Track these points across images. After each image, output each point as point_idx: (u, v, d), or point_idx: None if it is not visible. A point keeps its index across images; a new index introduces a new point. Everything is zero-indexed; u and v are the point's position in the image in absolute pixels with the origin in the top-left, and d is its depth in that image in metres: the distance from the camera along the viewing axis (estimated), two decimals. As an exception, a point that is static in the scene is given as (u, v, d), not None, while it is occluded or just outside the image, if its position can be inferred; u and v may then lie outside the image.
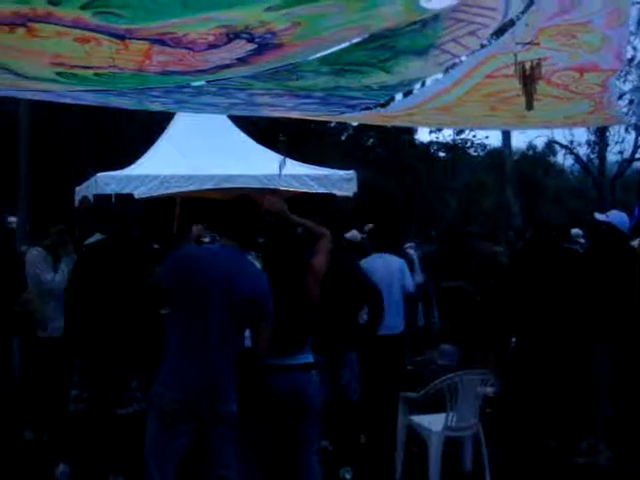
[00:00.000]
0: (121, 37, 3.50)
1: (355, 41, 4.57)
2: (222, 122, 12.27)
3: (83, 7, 3.03)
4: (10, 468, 6.32)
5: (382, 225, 8.47)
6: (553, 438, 6.95)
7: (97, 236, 6.55)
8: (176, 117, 12.80)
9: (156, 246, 8.32)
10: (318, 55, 4.79)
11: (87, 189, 11.63)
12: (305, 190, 11.56)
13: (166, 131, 13.21)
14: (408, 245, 14.15)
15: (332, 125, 32.90)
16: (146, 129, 24.13)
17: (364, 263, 7.36)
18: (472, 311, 9.33)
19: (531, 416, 6.88)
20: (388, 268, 7.44)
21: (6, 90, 5.86)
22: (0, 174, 26.66)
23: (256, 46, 3.87)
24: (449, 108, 6.31)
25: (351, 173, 12.12)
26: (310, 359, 5.00)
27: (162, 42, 3.61)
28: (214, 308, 4.28)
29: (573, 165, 44.17)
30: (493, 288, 8.45)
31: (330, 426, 6.30)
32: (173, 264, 4.47)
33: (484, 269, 9.58)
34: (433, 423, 6.06)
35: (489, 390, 6.32)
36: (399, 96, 6.60)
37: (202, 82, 5.27)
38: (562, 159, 44.35)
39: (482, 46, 5.25)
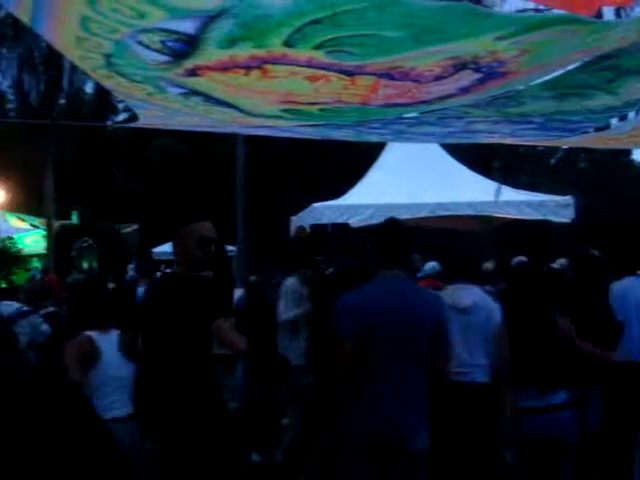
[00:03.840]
0: (350, 73, 3.60)
1: (577, 64, 4.45)
2: (434, 150, 12.29)
3: (317, 47, 3.15)
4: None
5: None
6: None
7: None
8: (388, 146, 12.94)
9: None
10: (540, 80, 4.70)
11: (302, 219, 11.97)
12: (521, 217, 11.32)
13: (379, 160, 13.38)
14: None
15: (540, 149, 32.11)
16: (356, 159, 24.60)
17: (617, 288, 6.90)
18: None
19: None
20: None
21: (232, 127, 6.21)
22: (219, 205, 28.04)
23: (481, 75, 3.86)
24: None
25: (568, 198, 11.71)
26: (565, 397, 4.86)
27: (390, 76, 3.68)
28: (396, 342, 4.20)
29: None
30: None
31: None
32: (350, 314, 4.40)
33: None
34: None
35: None
36: (614, 119, 6.36)
37: (416, 113, 5.32)
38: None
39: None
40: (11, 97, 29.40)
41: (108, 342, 4.92)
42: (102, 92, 29.45)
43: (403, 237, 4.50)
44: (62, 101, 28.01)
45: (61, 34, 3.60)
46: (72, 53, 3.90)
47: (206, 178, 33.50)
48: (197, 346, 4.18)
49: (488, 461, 5.05)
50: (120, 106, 40.26)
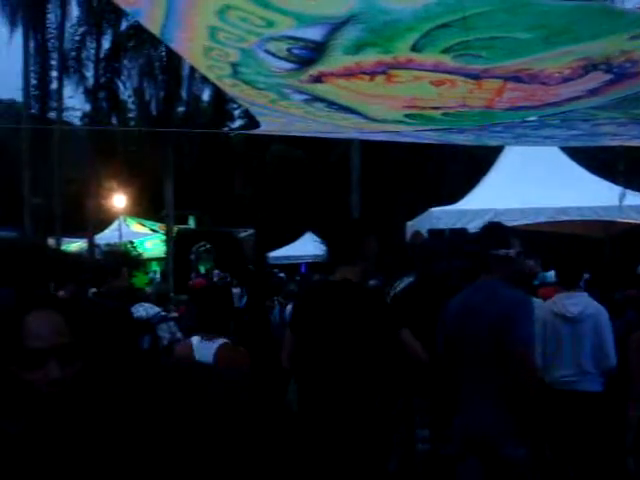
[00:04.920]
0: (476, 77, 3.55)
1: None
2: (553, 153, 11.97)
3: (444, 51, 3.13)
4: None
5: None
6: None
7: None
8: (506, 150, 12.71)
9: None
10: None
11: (419, 224, 11.88)
12: (645, 222, 10.90)
13: (496, 164, 13.16)
14: None
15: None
16: (470, 163, 24.35)
17: None
18: None
19: None
20: None
21: (352, 132, 6.23)
22: (334, 210, 28.19)
23: (612, 76, 3.74)
24: None
25: (693, 202, 11.18)
26: None
27: (517, 79, 3.61)
28: (467, 344, 4.11)
29: None
30: None
31: None
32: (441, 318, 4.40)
33: None
34: None
35: None
36: None
37: (535, 117, 5.20)
38: None
39: None
40: (131, 106, 30.41)
41: (206, 350, 4.84)
42: (219, 100, 30.15)
43: (491, 242, 4.31)
44: (181, 109, 28.79)
45: (190, 44, 3.68)
46: (199, 62, 3.98)
47: (321, 183, 33.79)
48: (376, 354, 4.16)
49: (604, 468, 4.89)
50: (236, 113, 41.15)
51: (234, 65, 3.76)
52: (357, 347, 4.05)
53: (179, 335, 6.62)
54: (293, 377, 4.67)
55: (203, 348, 4.87)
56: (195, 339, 4.99)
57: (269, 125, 5.64)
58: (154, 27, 3.42)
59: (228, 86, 4.35)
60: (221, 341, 4.84)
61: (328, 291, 4.39)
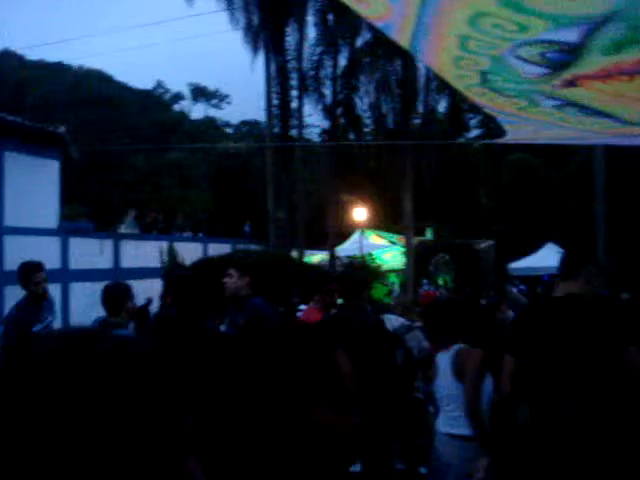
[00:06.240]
0: None
1: None
2: None
3: None
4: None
5: None
6: None
7: None
8: None
9: None
10: None
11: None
12: None
13: None
14: None
15: None
16: None
17: None
18: None
19: None
20: None
21: (605, 138, 5.94)
22: (578, 220, 27.23)
23: None
24: None
25: None
26: None
27: None
28: None
29: None
30: None
31: None
32: None
33: None
34: None
35: None
36: None
37: None
38: None
39: None
40: (367, 121, 30.91)
41: (443, 361, 5.02)
42: (455, 110, 30.00)
43: None
44: (416, 121, 28.97)
45: (439, 54, 3.67)
46: (448, 72, 3.95)
47: (562, 192, 32.75)
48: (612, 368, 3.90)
49: None
50: (472, 123, 40.78)
51: (483, 73, 3.70)
52: (590, 362, 3.78)
53: (425, 344, 6.63)
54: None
55: (441, 360, 5.07)
56: (439, 350, 5.11)
57: (516, 133, 5.52)
58: (404, 40, 3.43)
59: (476, 95, 4.29)
60: (456, 348, 4.92)
61: (552, 307, 4.15)
